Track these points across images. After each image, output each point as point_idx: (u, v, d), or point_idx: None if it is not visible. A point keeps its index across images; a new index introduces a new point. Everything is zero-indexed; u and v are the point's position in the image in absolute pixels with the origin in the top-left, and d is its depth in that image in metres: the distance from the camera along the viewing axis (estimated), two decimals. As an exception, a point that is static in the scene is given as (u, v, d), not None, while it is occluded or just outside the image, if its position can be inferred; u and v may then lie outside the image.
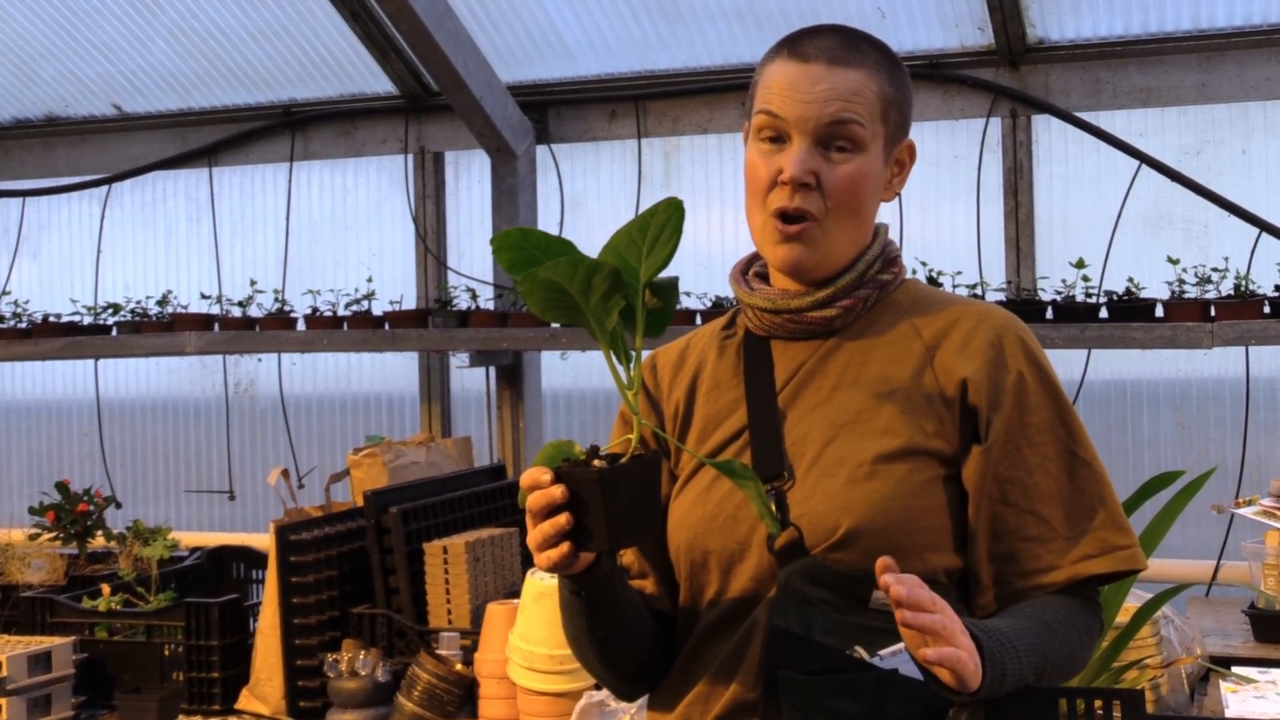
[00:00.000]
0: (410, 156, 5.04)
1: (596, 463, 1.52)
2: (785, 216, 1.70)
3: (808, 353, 1.75)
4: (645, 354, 1.63)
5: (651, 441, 1.82)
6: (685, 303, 4.34)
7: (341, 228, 5.22)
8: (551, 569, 1.55)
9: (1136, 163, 4.21)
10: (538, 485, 1.52)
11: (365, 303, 4.69)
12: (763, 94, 1.73)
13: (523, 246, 1.51)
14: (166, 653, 3.44)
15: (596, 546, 1.52)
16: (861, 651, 1.59)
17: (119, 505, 4.78)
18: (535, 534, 1.53)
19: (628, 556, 1.82)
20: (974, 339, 1.71)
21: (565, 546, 1.52)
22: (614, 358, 1.55)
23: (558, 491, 1.50)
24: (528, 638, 2.93)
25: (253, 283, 4.92)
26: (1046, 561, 1.67)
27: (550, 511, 1.51)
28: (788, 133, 1.70)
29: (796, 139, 1.69)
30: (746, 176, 1.75)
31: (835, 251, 1.73)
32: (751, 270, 1.83)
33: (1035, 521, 1.67)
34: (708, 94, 4.68)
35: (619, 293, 1.50)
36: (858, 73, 1.70)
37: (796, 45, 1.72)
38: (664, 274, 1.53)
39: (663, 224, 1.49)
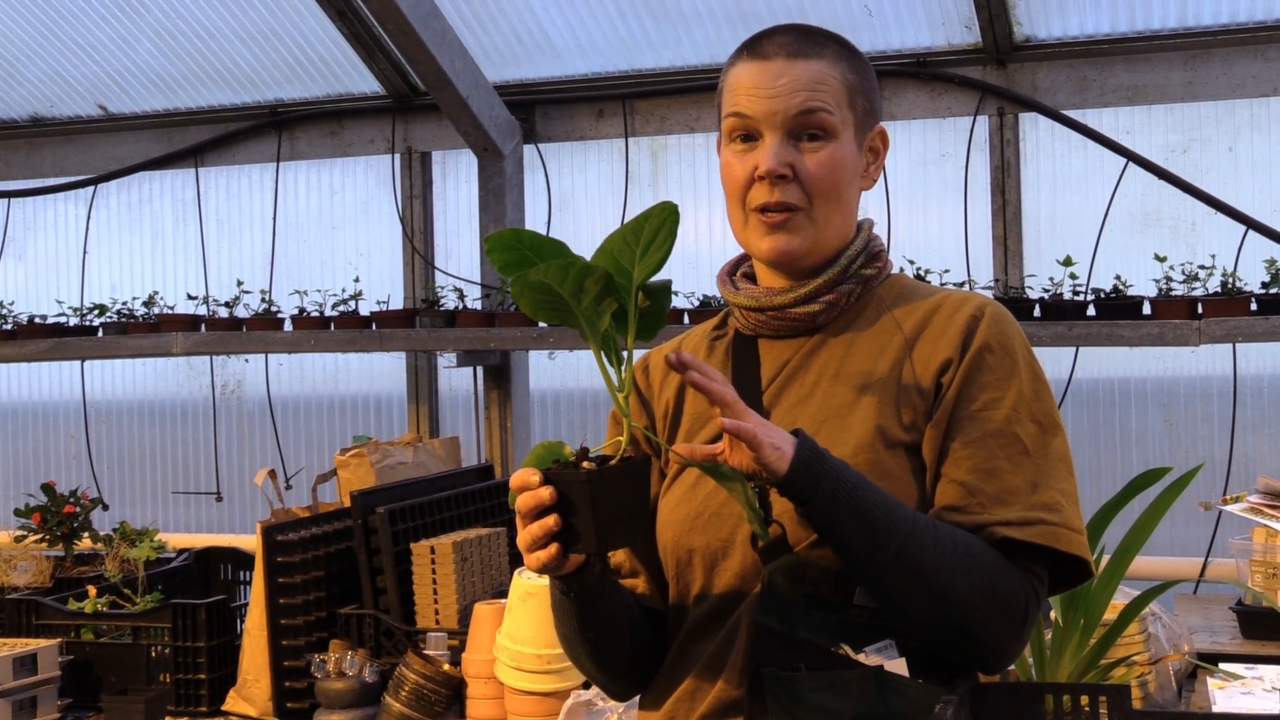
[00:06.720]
0: (397, 156, 5.03)
1: (586, 465, 1.52)
2: (767, 210, 1.70)
3: (793, 350, 1.76)
4: (637, 355, 1.63)
5: (642, 442, 1.82)
6: (673, 302, 4.33)
7: (328, 228, 5.21)
8: (541, 570, 1.55)
9: (1124, 160, 4.21)
10: (527, 486, 1.52)
11: (352, 303, 4.68)
12: (729, 97, 1.74)
13: (515, 247, 1.52)
14: (153, 654, 3.44)
15: (584, 548, 1.52)
16: (846, 648, 1.59)
17: (105, 507, 4.77)
18: (524, 535, 1.53)
19: (619, 555, 1.83)
20: (950, 325, 1.71)
21: (554, 548, 1.52)
22: (605, 360, 1.55)
23: (546, 493, 1.50)
24: (515, 637, 2.92)
25: (239, 283, 4.90)
26: (962, 516, 1.62)
27: (539, 513, 1.51)
28: (758, 130, 1.71)
29: (768, 135, 1.70)
30: (724, 180, 1.76)
31: (823, 239, 1.73)
32: (739, 271, 1.84)
33: (958, 489, 1.63)
34: (695, 93, 4.67)
35: (611, 295, 1.50)
36: (818, 62, 1.71)
37: (755, 46, 1.74)
38: (657, 277, 1.54)
39: (657, 228, 1.51)
